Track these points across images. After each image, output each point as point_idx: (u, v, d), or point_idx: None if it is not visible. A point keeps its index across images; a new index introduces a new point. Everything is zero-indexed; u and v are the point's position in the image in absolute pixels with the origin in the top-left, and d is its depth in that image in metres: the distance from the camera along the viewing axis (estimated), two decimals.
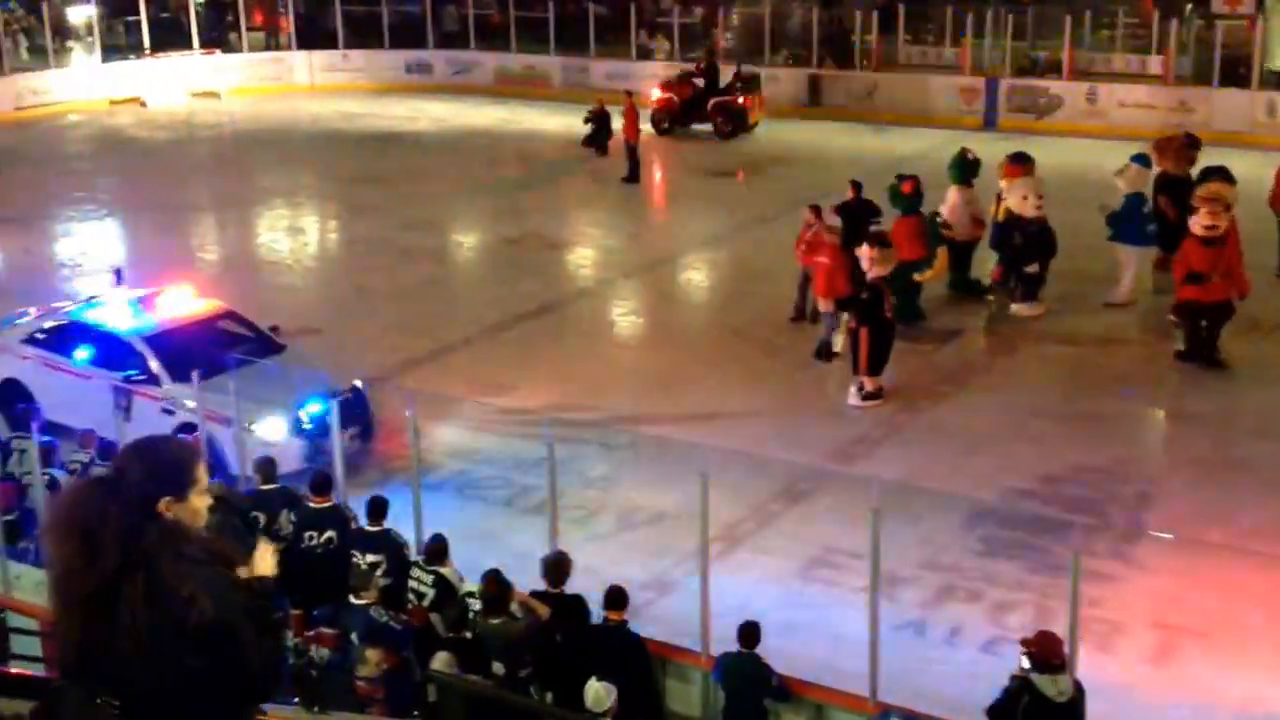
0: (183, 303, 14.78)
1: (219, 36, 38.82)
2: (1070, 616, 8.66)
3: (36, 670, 9.98)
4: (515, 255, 21.62)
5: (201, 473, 3.66)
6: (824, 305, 16.46)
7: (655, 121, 29.94)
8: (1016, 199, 17.14)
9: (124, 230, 24.23)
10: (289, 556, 10.54)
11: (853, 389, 15.03)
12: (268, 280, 20.94)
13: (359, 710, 9.07)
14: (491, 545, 11.82)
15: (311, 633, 9.85)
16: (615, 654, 9.23)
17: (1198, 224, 15.45)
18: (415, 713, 9.06)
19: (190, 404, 12.75)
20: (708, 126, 29.91)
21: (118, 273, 14.86)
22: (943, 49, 34.04)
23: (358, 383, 14.10)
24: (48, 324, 14.73)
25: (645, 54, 35.29)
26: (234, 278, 21.07)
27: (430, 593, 10.13)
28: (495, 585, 9.50)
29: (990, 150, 19.35)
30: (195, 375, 12.20)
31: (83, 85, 34.78)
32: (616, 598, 9.56)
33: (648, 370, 16.69)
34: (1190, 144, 18.28)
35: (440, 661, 9.05)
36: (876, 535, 9.07)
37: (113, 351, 13.98)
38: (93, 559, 3.32)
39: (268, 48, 39.64)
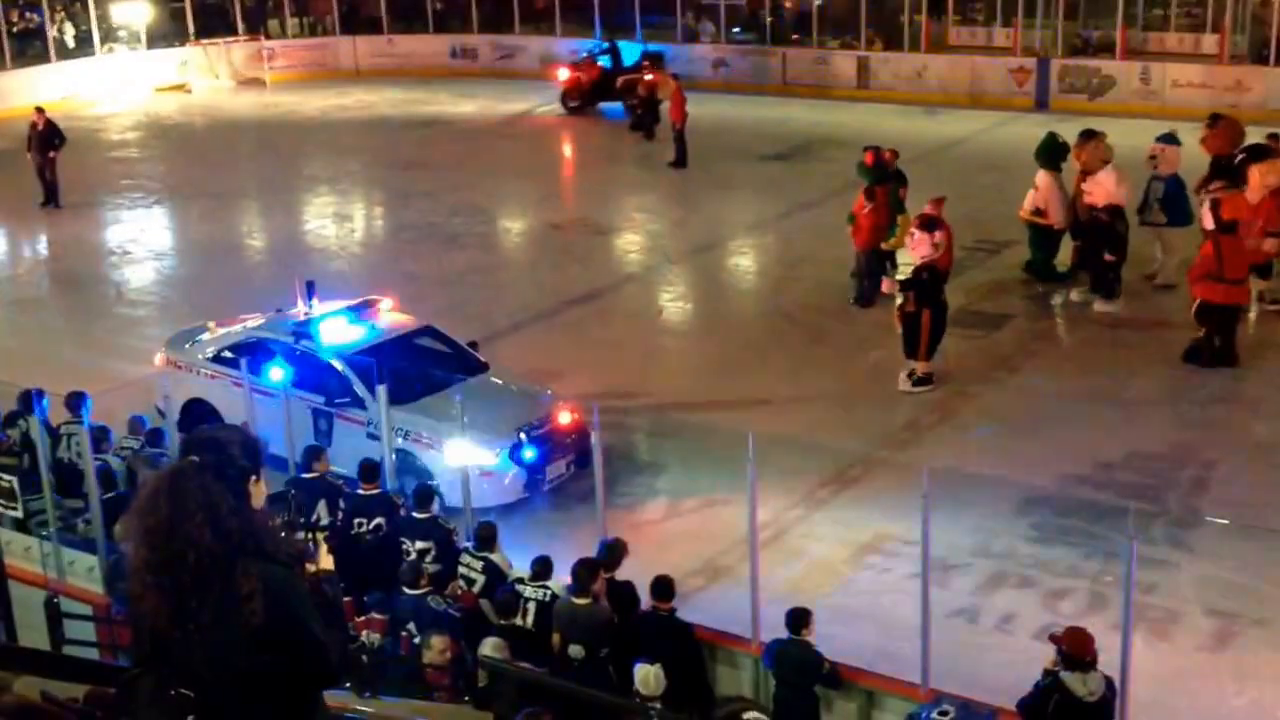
0: (381, 318, 13.85)
1: (263, 22, 39.01)
2: (1124, 604, 8.56)
3: (90, 655, 10.15)
4: (562, 241, 21.63)
5: (259, 451, 3.70)
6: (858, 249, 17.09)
7: (564, 100, 31.24)
8: (1112, 184, 16.80)
9: (172, 217, 24.44)
10: (339, 544, 10.67)
11: (903, 374, 14.92)
12: (316, 266, 21.03)
13: (413, 695, 9.10)
14: (538, 530, 11.87)
15: (362, 619, 9.91)
16: (663, 642, 9.21)
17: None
18: (465, 698, 9.08)
19: (401, 429, 12.17)
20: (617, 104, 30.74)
21: (309, 286, 13.82)
22: (993, 29, 33.67)
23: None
24: (235, 341, 13.77)
25: (691, 37, 35.14)
26: (281, 264, 21.23)
27: (480, 579, 10.18)
28: (586, 569, 9.53)
29: (1042, 132, 19.08)
30: (382, 393, 11.72)
31: (128, 73, 35.02)
32: (663, 588, 9.55)
33: (696, 355, 16.66)
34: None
35: (490, 647, 9.06)
36: (928, 521, 9.01)
37: (310, 371, 13.01)
38: (204, 536, 3.30)
39: (313, 33, 39.82)
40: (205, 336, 14.23)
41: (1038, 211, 17.62)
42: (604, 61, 31.46)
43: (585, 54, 32.26)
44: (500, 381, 13.51)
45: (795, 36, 34.33)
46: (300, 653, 3.41)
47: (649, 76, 29.61)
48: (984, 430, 14.08)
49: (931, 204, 15.69)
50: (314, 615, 3.52)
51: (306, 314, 13.54)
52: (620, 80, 30.84)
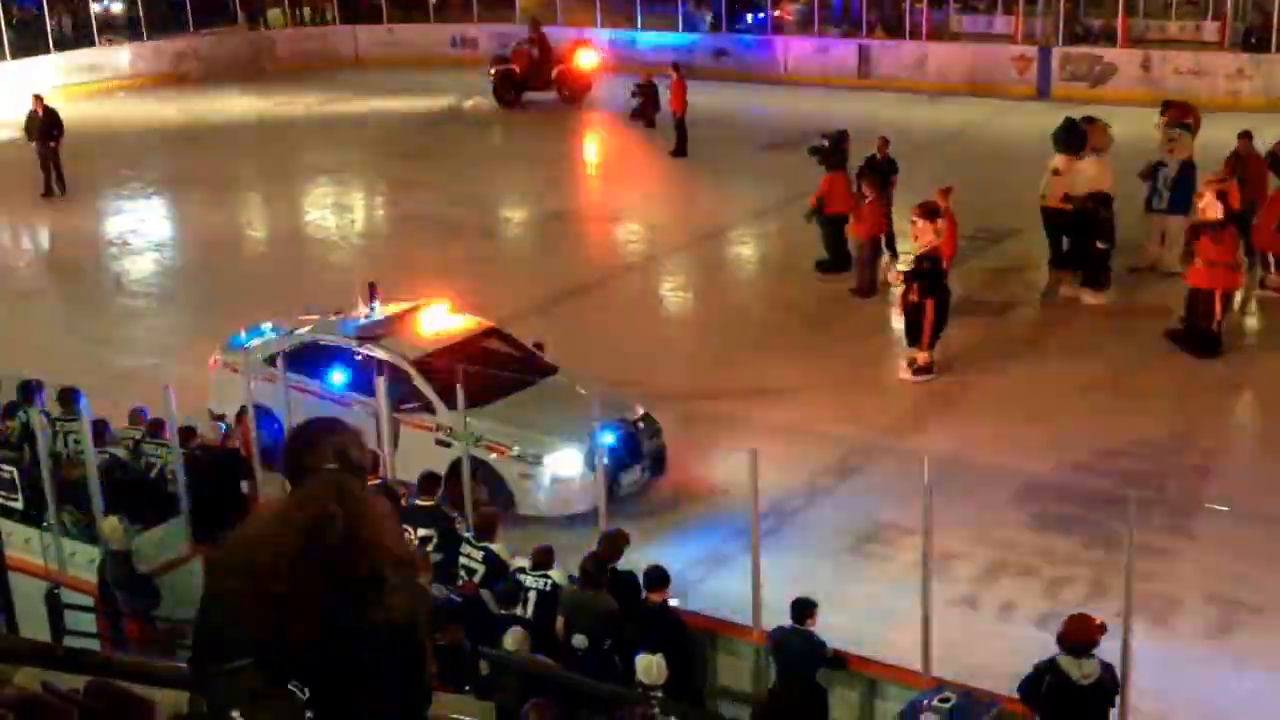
0: (447, 320, 13.43)
1: (261, 11, 38.97)
2: (1125, 591, 8.56)
3: (91, 646, 10.15)
4: (563, 230, 21.61)
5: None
6: (855, 240, 17.25)
7: (498, 94, 30.73)
8: (1094, 172, 16.78)
9: (171, 208, 24.43)
10: None
11: (904, 363, 14.93)
12: (316, 256, 21.06)
13: None
14: (540, 521, 11.87)
15: None
16: (657, 633, 9.20)
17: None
18: (466, 688, 9.07)
19: (473, 434, 11.63)
20: (548, 95, 30.62)
21: (371, 288, 13.31)
22: (994, 17, 33.62)
23: (640, 409, 12.70)
24: (295, 343, 13.22)
25: (692, 26, 35.07)
26: (281, 254, 21.28)
27: (480, 568, 10.15)
28: (595, 561, 9.53)
29: (1043, 120, 19.09)
30: (460, 398, 11.16)
31: (125, 62, 35.02)
32: (658, 578, 9.55)
33: (697, 344, 16.66)
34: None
35: (511, 639, 9.04)
36: (929, 510, 9.01)
37: (374, 374, 12.46)
38: (369, 540, 3.23)
39: (312, 22, 39.78)
40: (261, 339, 13.68)
41: (1068, 198, 17.46)
42: (533, 51, 30.96)
43: (514, 44, 31.79)
44: (571, 384, 13.02)
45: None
46: (412, 658, 3.34)
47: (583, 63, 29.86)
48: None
49: (940, 193, 15.68)
50: (425, 624, 3.44)
51: (368, 316, 13.13)
52: (555, 70, 30.57)
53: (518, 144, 27.73)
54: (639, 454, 12.23)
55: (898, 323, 15.63)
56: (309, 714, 3.12)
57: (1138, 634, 8.70)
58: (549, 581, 9.76)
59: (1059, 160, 17.47)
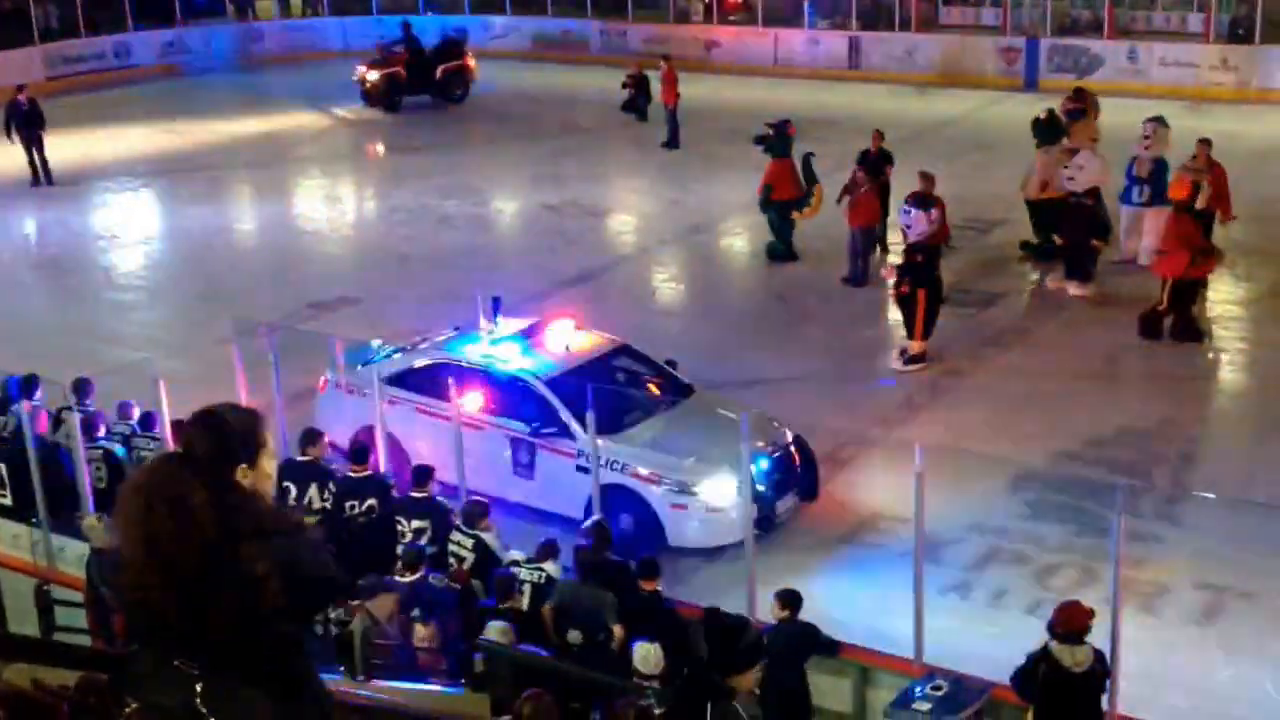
0: (576, 337, 12.59)
1: (250, 3, 38.88)
2: (1114, 578, 8.63)
3: (81, 642, 10.16)
4: (555, 222, 21.63)
5: (267, 435, 3.67)
6: (853, 228, 17.29)
7: (383, 101, 29.59)
8: (1097, 167, 16.84)
9: (160, 201, 24.39)
10: (331, 527, 10.57)
11: (896, 353, 14.98)
12: (308, 249, 21.07)
13: (405, 679, 9.13)
14: (529, 513, 11.91)
15: (355, 602, 9.90)
16: (647, 622, 9.23)
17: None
18: (462, 680, 9.10)
19: (619, 462, 11.13)
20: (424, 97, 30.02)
21: (495, 301, 12.57)
22: (982, 9, 33.66)
23: (788, 433, 11.93)
24: (418, 362, 12.50)
25: (683, 17, 35.08)
26: (272, 246, 21.26)
27: (470, 556, 10.13)
28: (589, 553, 9.58)
29: (1031, 112, 19.13)
30: (591, 420, 10.55)
31: (113, 53, 34.87)
32: (649, 568, 9.59)
33: (689, 336, 16.66)
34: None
35: (495, 631, 9.06)
36: (921, 499, 9.07)
37: (506, 396, 11.95)
38: (188, 533, 3.33)
39: (303, 14, 39.70)
40: (379, 357, 12.86)
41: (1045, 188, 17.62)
42: (402, 49, 30.24)
43: (386, 44, 30.63)
44: (714, 405, 12.42)
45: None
46: (323, 598, 3.54)
47: (469, 62, 29.69)
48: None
49: (922, 180, 15.69)
50: (327, 562, 3.61)
51: (491, 332, 12.46)
52: (440, 70, 29.97)
53: (512, 137, 27.69)
54: (792, 480, 11.60)
55: (893, 313, 15.66)
56: (198, 686, 3.29)
57: (1127, 620, 8.78)
58: (544, 574, 9.78)
59: (1055, 154, 17.60)
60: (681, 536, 11.16)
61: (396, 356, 12.79)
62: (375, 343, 13.40)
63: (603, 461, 10.97)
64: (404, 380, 12.26)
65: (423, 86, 30.03)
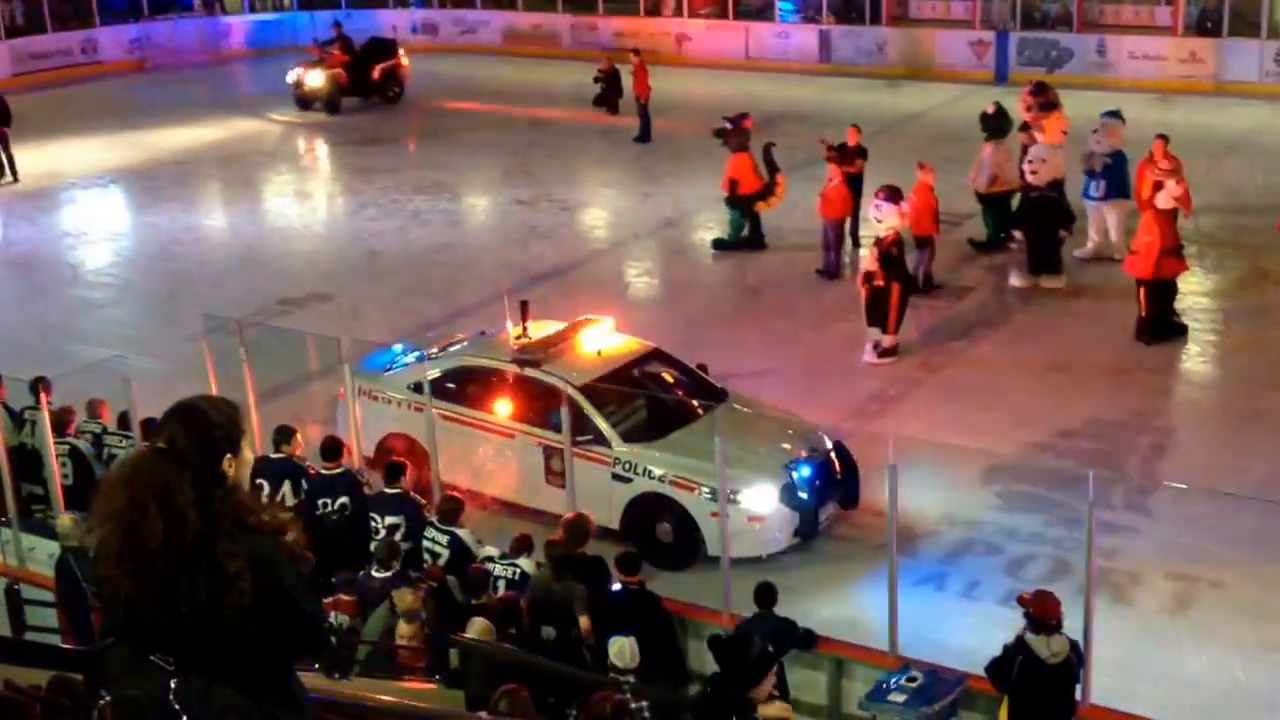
0: (609, 341, 12.33)
1: None
2: (1087, 569, 8.69)
3: (52, 641, 10.09)
4: (528, 217, 21.58)
5: (243, 422, 3.67)
6: (827, 221, 17.43)
7: (331, 103, 29.10)
8: (1059, 161, 16.92)
9: (127, 198, 24.21)
10: (303, 525, 10.52)
11: (868, 346, 15.02)
12: (277, 246, 20.96)
13: (383, 676, 9.10)
14: (507, 508, 11.90)
15: (330, 599, 9.87)
16: (635, 616, 9.25)
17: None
18: (436, 676, 9.08)
19: (657, 470, 10.97)
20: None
21: (523, 305, 12.36)
22: (952, 3, 33.75)
23: (826, 440, 11.65)
24: (443, 367, 12.24)
25: (654, 10, 35.05)
26: (242, 244, 21.14)
27: (445, 553, 10.12)
28: (567, 549, 9.56)
29: (1004, 104, 19.22)
30: (608, 428, 10.65)
31: (80, 49, 34.59)
32: (629, 562, 9.60)
33: (662, 330, 16.63)
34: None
35: (476, 629, 9.04)
36: (894, 491, 9.11)
37: (537, 402, 11.72)
38: (173, 528, 3.32)
39: (270, 9, 39.45)
40: (403, 362, 12.69)
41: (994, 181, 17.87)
42: (336, 50, 29.76)
43: (322, 44, 30.08)
44: (749, 411, 12.21)
45: None
46: (290, 624, 3.48)
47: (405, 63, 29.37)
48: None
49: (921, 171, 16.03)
50: (302, 585, 3.57)
51: (520, 337, 12.18)
52: (377, 70, 29.67)
53: (483, 132, 27.62)
54: (833, 486, 11.38)
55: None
56: (172, 683, 3.31)
57: (1099, 610, 8.85)
58: (518, 570, 9.77)
59: (1005, 147, 17.82)
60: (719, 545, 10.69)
61: (414, 359, 12.56)
62: (397, 346, 13.20)
63: (640, 470, 11.01)
64: (430, 387, 11.75)
65: (360, 87, 29.58)
